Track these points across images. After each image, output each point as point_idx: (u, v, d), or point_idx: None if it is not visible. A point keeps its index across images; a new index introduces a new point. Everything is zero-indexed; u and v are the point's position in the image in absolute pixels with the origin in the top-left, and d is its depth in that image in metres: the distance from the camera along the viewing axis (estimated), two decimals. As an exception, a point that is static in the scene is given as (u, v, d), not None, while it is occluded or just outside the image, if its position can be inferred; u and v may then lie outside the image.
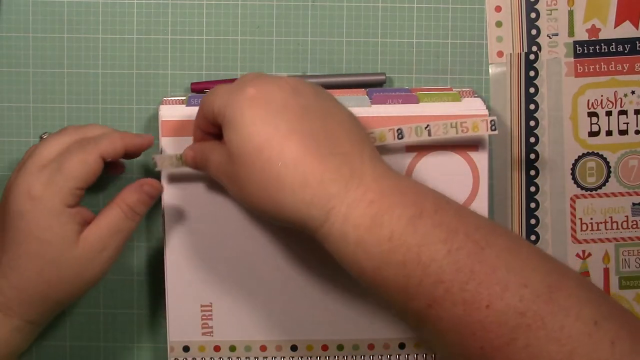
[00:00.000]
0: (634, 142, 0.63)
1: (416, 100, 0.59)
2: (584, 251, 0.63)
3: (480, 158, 0.59)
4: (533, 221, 0.63)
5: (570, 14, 0.63)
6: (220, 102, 0.51)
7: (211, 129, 0.54)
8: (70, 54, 0.62)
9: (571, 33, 0.63)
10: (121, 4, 0.62)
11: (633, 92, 0.63)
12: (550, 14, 0.63)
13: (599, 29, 0.62)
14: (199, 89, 0.61)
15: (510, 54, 0.63)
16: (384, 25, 0.63)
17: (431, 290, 0.45)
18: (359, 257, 0.47)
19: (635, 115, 0.63)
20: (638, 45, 0.62)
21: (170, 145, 0.58)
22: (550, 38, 0.63)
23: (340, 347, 0.61)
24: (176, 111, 0.59)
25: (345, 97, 0.59)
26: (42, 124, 0.63)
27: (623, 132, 0.63)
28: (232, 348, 0.60)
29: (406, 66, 0.63)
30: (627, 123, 0.63)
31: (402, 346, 0.61)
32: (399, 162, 0.59)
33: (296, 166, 0.47)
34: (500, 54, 0.63)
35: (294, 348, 0.60)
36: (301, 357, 0.61)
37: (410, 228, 0.46)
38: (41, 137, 0.60)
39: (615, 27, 0.62)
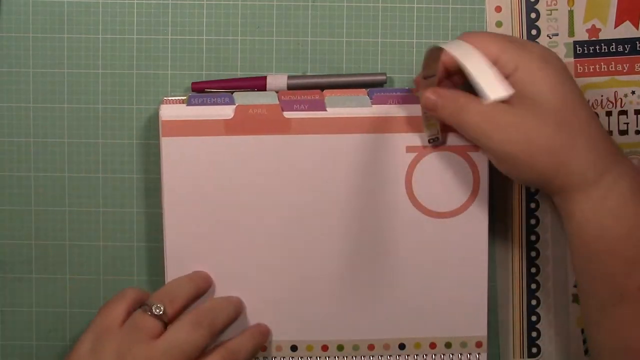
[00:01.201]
0: (634, 142, 0.63)
1: (417, 101, 0.59)
2: (584, 251, 0.63)
3: (481, 158, 0.59)
4: (533, 221, 0.63)
5: (570, 14, 0.63)
6: (507, 54, 0.52)
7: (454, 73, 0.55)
8: (70, 54, 0.62)
9: (571, 33, 0.63)
10: (121, 4, 0.62)
11: (633, 92, 0.63)
12: (550, 14, 0.63)
13: (599, 29, 0.62)
14: (199, 88, 0.61)
15: (511, 54, 0.63)
16: (384, 25, 0.63)
17: None
18: (608, 223, 0.51)
19: (635, 115, 0.63)
20: (638, 45, 0.62)
21: (171, 146, 0.58)
22: (550, 38, 0.63)
23: (340, 348, 0.61)
24: (177, 111, 0.58)
25: (346, 97, 0.59)
26: (42, 124, 0.63)
27: (623, 132, 0.63)
28: None
29: (406, 66, 0.63)
30: (627, 123, 0.63)
31: (402, 346, 0.61)
32: (400, 161, 0.59)
33: (589, 130, 0.51)
34: (500, 54, 0.63)
35: (293, 348, 0.60)
36: (301, 358, 0.61)
37: None
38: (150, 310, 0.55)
39: (615, 27, 0.62)
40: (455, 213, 0.60)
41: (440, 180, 0.59)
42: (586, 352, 0.63)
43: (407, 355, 0.61)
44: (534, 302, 0.64)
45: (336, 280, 0.60)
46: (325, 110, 0.59)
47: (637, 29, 0.62)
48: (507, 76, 0.52)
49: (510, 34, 0.63)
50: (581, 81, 0.63)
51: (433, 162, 0.59)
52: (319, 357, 0.60)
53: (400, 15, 0.62)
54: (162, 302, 0.54)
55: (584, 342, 0.63)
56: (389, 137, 0.59)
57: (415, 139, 0.59)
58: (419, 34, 0.63)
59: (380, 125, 0.58)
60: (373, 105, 0.59)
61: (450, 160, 0.59)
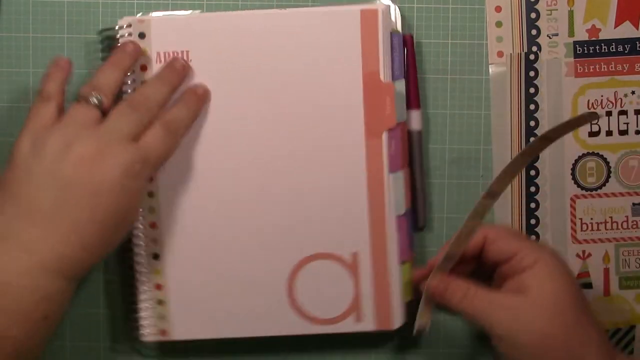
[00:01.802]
0: (634, 142, 0.63)
1: None
2: (584, 251, 0.63)
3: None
4: (533, 221, 0.63)
5: (570, 14, 0.63)
6: (527, 249, 0.54)
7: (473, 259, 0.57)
8: (70, 54, 0.62)
9: (571, 33, 0.63)
10: (121, 4, 0.62)
11: (633, 92, 0.63)
12: (550, 14, 0.63)
13: (599, 29, 0.62)
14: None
15: (510, 54, 0.63)
16: (384, 25, 0.63)
17: None
18: None
19: (635, 115, 0.63)
20: (638, 45, 0.62)
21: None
22: (550, 38, 0.63)
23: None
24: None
25: None
26: (42, 124, 0.63)
27: (623, 132, 0.63)
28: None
29: (406, 66, 0.63)
30: (627, 123, 0.63)
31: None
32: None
33: (598, 325, 0.54)
34: (500, 54, 0.63)
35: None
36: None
37: None
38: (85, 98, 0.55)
39: (615, 27, 0.62)
40: None
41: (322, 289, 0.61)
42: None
43: None
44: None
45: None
46: None
47: (637, 29, 0.62)
48: (527, 269, 0.53)
49: (510, 34, 0.63)
50: (581, 81, 0.63)
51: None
52: None
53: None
54: (96, 92, 0.54)
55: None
56: None
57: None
58: (418, 33, 0.63)
59: None
60: None
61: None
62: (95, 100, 0.54)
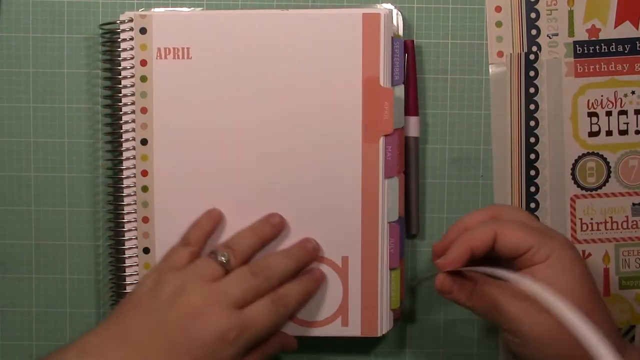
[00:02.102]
0: (634, 142, 0.63)
1: None
2: (584, 251, 0.63)
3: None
4: (533, 221, 0.63)
5: (570, 14, 0.63)
6: (540, 243, 0.53)
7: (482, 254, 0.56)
8: (70, 54, 0.62)
9: (571, 33, 0.63)
10: (121, 4, 0.62)
11: (633, 92, 0.63)
12: (550, 14, 0.63)
13: (599, 29, 0.62)
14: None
15: (510, 54, 0.63)
16: (384, 26, 0.63)
17: None
18: None
19: (635, 115, 0.63)
20: (638, 45, 0.62)
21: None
22: (550, 38, 0.63)
23: None
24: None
25: None
26: (42, 123, 0.63)
27: (623, 132, 0.63)
28: None
29: (406, 66, 0.63)
30: (627, 123, 0.63)
31: None
32: None
33: (608, 318, 0.54)
34: (500, 54, 0.63)
35: None
36: None
37: None
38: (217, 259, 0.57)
39: (615, 27, 0.62)
40: None
41: None
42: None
43: None
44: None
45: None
46: None
47: (637, 29, 0.62)
48: (540, 263, 0.53)
49: (510, 34, 0.63)
50: (581, 81, 0.63)
51: None
52: None
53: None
54: (227, 250, 0.57)
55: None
56: None
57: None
58: (419, 33, 0.63)
59: None
60: None
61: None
62: (223, 258, 0.56)
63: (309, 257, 0.60)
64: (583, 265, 0.54)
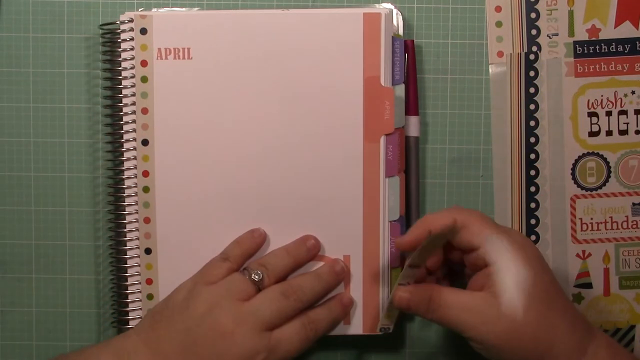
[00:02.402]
0: (634, 142, 0.63)
1: None
2: (584, 251, 0.64)
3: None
4: (533, 221, 0.63)
5: (570, 14, 0.63)
6: (492, 244, 0.54)
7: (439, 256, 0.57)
8: (70, 54, 0.62)
9: (571, 33, 0.63)
10: (121, 4, 0.62)
11: (633, 92, 0.63)
12: (550, 14, 0.63)
13: (599, 29, 0.62)
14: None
15: (510, 54, 0.63)
16: (384, 25, 0.63)
17: None
18: None
19: (635, 115, 0.63)
20: (638, 45, 0.62)
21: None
22: (550, 38, 0.63)
23: None
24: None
25: None
26: (42, 123, 0.63)
27: (623, 132, 0.63)
28: None
29: (406, 66, 0.63)
30: (627, 123, 0.63)
31: None
32: None
33: (567, 316, 0.54)
34: (500, 54, 0.63)
35: None
36: None
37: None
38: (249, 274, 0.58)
39: (615, 27, 0.62)
40: None
41: None
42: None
43: None
44: (534, 302, 0.64)
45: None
46: None
47: (637, 29, 0.62)
48: (491, 265, 0.53)
49: (510, 34, 0.63)
50: (581, 81, 0.63)
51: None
52: None
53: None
54: (261, 269, 0.57)
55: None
56: None
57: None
58: (419, 33, 0.63)
59: None
60: None
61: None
62: (256, 277, 0.57)
63: (337, 282, 0.60)
64: (536, 267, 0.54)
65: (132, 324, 0.61)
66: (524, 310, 0.52)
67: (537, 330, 0.52)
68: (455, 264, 0.58)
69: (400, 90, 0.60)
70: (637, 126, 0.63)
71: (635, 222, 0.63)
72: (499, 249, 0.53)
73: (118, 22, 0.60)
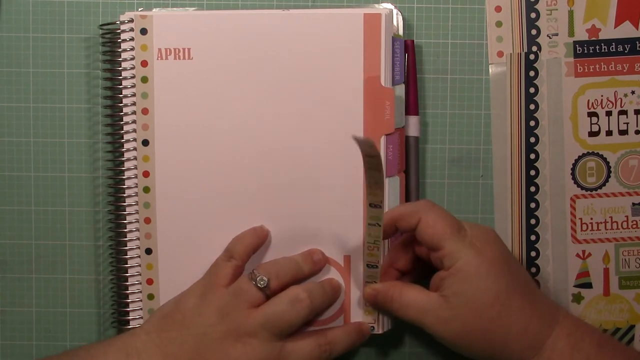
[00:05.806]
0: (634, 142, 0.63)
1: None
2: (584, 251, 0.64)
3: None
4: (533, 221, 0.63)
5: (570, 14, 0.63)
6: (449, 248, 0.55)
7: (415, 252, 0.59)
8: (70, 54, 0.62)
9: (571, 33, 0.63)
10: (121, 4, 0.62)
11: (633, 92, 0.63)
12: (550, 14, 0.63)
13: (599, 29, 0.62)
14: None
15: (510, 54, 0.63)
16: (384, 25, 0.63)
17: None
18: None
19: (635, 115, 0.63)
20: (638, 45, 0.62)
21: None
22: (550, 38, 0.63)
23: None
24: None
25: None
26: (42, 123, 0.63)
27: (623, 132, 0.63)
28: None
29: (406, 66, 0.63)
30: (627, 123, 0.63)
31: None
32: None
33: (521, 316, 0.55)
34: (500, 54, 0.63)
35: None
36: None
37: (598, 349, 0.55)
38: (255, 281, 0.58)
39: (615, 27, 0.62)
40: None
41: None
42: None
43: None
44: (534, 302, 0.64)
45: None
46: None
47: (637, 29, 0.62)
48: (447, 268, 0.55)
49: (510, 34, 0.63)
50: (581, 81, 0.63)
51: None
52: None
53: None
54: (267, 275, 0.57)
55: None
56: None
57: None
58: (419, 33, 0.63)
59: None
60: None
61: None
62: (262, 283, 0.57)
63: (335, 298, 0.60)
64: (492, 265, 0.55)
65: (132, 324, 0.61)
66: (472, 316, 0.54)
67: (486, 334, 0.54)
68: (424, 259, 0.59)
69: (400, 90, 0.60)
70: (637, 126, 0.63)
71: (635, 222, 0.63)
72: (455, 252, 0.55)
73: (118, 22, 0.60)
